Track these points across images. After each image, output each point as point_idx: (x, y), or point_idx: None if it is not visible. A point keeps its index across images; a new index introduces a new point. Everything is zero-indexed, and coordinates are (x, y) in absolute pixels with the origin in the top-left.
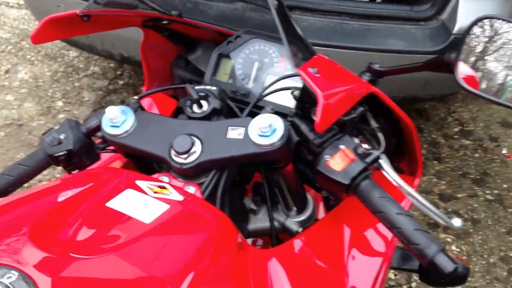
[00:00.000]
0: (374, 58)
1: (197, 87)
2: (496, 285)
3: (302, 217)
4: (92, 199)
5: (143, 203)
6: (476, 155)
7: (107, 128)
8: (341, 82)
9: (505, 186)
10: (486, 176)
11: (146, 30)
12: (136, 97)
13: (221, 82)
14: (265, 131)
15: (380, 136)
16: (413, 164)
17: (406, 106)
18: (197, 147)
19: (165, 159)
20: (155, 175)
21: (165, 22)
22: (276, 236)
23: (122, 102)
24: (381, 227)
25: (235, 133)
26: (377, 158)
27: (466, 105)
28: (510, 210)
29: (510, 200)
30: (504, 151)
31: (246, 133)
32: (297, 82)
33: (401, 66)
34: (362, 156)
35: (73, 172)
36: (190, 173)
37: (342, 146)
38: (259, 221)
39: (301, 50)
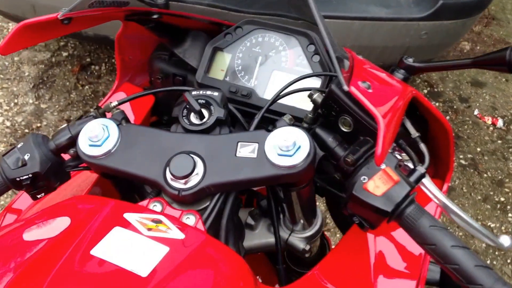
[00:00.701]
0: (355, 26)
1: (195, 93)
2: None
3: (309, 232)
4: (72, 247)
5: (136, 246)
6: (447, 117)
7: (85, 148)
8: (390, 92)
9: (478, 149)
10: (459, 140)
11: (127, 22)
12: (114, 103)
13: (216, 80)
14: (287, 149)
15: (423, 147)
16: (442, 167)
17: None
18: (199, 169)
19: (159, 184)
20: (144, 202)
21: (155, 16)
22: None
23: (65, 76)
24: (408, 242)
25: (246, 150)
26: (423, 176)
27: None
28: (485, 175)
29: (484, 164)
30: (476, 112)
31: (261, 151)
32: (314, 81)
33: (444, 62)
34: (405, 174)
35: (38, 196)
36: (190, 200)
37: (382, 165)
38: (257, 237)
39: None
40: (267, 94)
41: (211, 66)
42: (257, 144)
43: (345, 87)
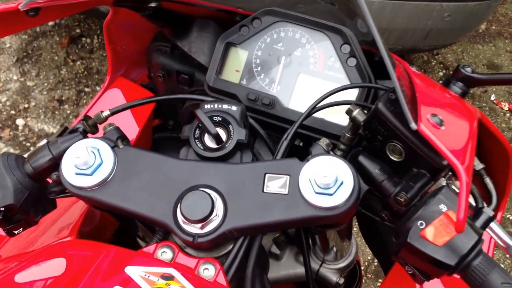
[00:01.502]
0: (374, 6)
1: (208, 106)
2: None
3: (343, 262)
4: None
5: None
6: None
7: (71, 177)
8: (462, 125)
9: None
10: None
11: (117, 8)
12: (106, 112)
13: (230, 83)
14: (327, 187)
15: (490, 184)
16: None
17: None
18: (219, 209)
19: (168, 226)
20: (151, 247)
21: (153, 4)
22: None
23: (53, 50)
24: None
25: (275, 184)
26: (491, 220)
27: (450, 45)
28: None
29: None
30: (492, 98)
31: (293, 185)
32: (349, 91)
33: (507, 75)
34: (470, 215)
35: (15, 232)
36: (208, 247)
37: (443, 207)
38: (283, 268)
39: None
40: (293, 103)
41: (224, 66)
42: (288, 177)
43: (413, 125)
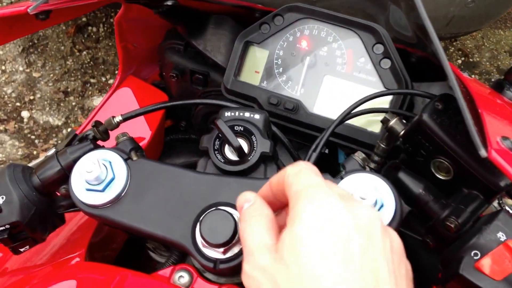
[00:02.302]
0: None
1: (228, 114)
2: None
3: None
4: None
5: None
6: None
7: (81, 194)
8: None
9: None
10: None
11: (129, 4)
12: (118, 118)
13: (250, 85)
14: None
15: None
16: None
17: None
18: None
19: (186, 249)
20: (167, 271)
21: (169, 2)
22: None
23: (59, 39)
24: None
25: None
26: None
27: (472, 33)
28: None
29: None
30: None
31: None
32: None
33: None
34: None
35: (21, 250)
36: (229, 273)
37: (501, 236)
38: None
39: None
40: (318, 107)
41: (243, 66)
42: None
43: (483, 152)
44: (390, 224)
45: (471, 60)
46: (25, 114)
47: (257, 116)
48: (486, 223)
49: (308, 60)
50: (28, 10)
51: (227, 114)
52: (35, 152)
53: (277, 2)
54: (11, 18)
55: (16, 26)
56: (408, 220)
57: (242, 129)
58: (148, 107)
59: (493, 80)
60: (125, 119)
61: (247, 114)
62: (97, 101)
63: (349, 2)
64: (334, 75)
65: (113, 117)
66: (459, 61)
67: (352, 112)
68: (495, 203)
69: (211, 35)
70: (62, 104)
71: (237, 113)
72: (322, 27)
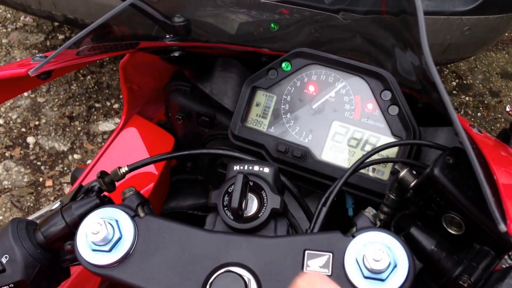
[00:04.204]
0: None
1: (237, 167)
2: None
3: None
4: None
5: None
6: (479, 114)
7: (87, 254)
8: None
9: None
10: None
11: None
12: (124, 169)
13: (257, 132)
14: (379, 272)
15: None
16: None
17: None
18: None
19: None
20: None
21: (176, 54)
22: None
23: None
24: None
25: (316, 263)
26: None
27: (467, 59)
28: None
29: None
30: (508, 108)
31: (337, 265)
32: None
33: None
34: None
35: None
36: None
37: None
38: None
39: None
40: (326, 154)
41: (250, 112)
42: (331, 255)
43: (502, 227)
44: (403, 285)
45: (464, 82)
46: (30, 140)
47: (266, 170)
48: (498, 281)
49: (315, 106)
50: (29, 72)
51: (236, 167)
52: (41, 179)
53: (283, 46)
54: (11, 79)
55: (16, 85)
56: (420, 275)
57: (251, 184)
58: (154, 157)
59: (486, 102)
60: (131, 169)
61: (256, 168)
62: (102, 126)
63: (356, 45)
64: (343, 121)
65: (119, 168)
66: (454, 83)
67: (364, 162)
68: (506, 257)
69: (217, 78)
70: (67, 129)
71: (246, 167)
72: (329, 73)
